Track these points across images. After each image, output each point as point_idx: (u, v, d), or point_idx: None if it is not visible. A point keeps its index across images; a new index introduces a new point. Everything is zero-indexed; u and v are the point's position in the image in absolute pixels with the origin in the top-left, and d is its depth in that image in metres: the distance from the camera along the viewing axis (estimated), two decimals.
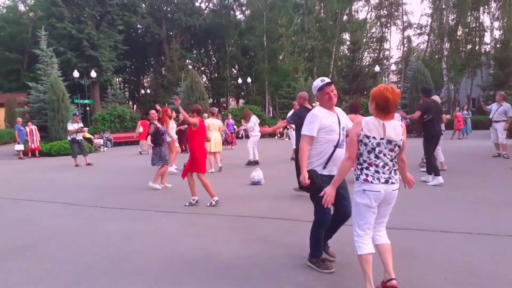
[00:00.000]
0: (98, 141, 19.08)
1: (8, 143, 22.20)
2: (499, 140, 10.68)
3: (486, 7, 35.00)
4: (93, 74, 27.76)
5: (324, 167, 3.47)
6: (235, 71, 50.58)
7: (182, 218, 5.74)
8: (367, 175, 2.90)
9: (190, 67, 45.16)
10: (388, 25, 42.16)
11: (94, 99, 34.10)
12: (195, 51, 52.28)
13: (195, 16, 44.84)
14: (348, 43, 38.50)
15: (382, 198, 2.91)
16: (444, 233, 4.53)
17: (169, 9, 45.65)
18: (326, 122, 3.45)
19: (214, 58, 53.84)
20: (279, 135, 24.84)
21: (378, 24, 42.81)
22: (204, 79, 54.11)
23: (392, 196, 2.97)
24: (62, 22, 32.17)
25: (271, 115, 38.95)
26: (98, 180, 9.58)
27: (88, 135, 18.24)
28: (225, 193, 7.15)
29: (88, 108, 28.15)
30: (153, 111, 8.57)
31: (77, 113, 13.40)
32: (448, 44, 36.58)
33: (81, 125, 12.95)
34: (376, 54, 43.38)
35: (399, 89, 35.80)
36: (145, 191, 7.95)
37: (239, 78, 37.48)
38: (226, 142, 17.55)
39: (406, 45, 41.03)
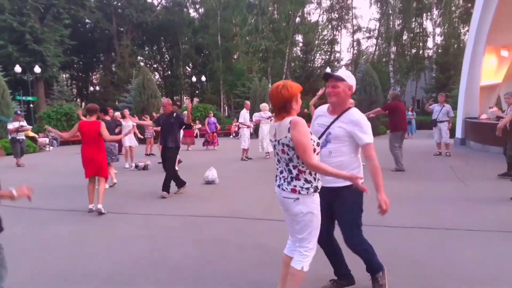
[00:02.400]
0: (43, 140, 18.14)
1: None
2: (443, 140, 11.34)
3: (428, 13, 37.14)
4: (37, 69, 26.29)
5: None
6: (189, 69, 49.91)
7: (134, 220, 5.63)
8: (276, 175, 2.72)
9: (142, 64, 44.05)
10: (339, 28, 43.59)
11: (39, 96, 32.27)
12: (147, 48, 50.96)
13: (147, 12, 43.69)
14: (300, 44, 39.31)
15: (281, 202, 2.63)
16: (387, 227, 4.76)
17: (119, 4, 44.17)
18: None
19: (167, 56, 52.75)
20: (234, 134, 24.90)
21: (330, 26, 44.12)
22: (157, 76, 52.94)
23: (284, 203, 2.59)
24: (3, 14, 30.14)
25: (226, 114, 38.89)
26: (43, 180, 9.12)
27: (31, 134, 17.27)
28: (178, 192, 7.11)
29: (32, 105, 26.67)
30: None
31: (19, 112, 12.67)
32: (395, 48, 38.45)
33: (22, 123, 12.25)
34: (327, 56, 44.63)
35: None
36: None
37: (193, 77, 37.04)
38: (207, 142, 16.74)
39: (355, 48, 42.60)
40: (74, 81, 51.45)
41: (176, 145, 7.08)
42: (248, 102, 13.05)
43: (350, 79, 2.93)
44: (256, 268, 3.69)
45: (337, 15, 43.41)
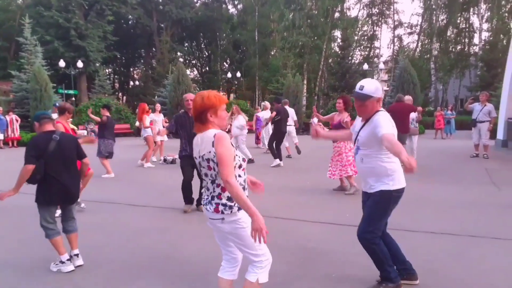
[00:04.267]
0: (81, 132, 18.87)
1: None
2: (482, 141, 10.71)
3: (475, 8, 35.29)
4: (80, 64, 27.40)
5: None
6: (227, 65, 50.33)
7: (152, 212, 5.71)
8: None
9: (181, 60, 44.84)
10: (379, 23, 42.30)
11: (81, 90, 33.68)
12: (186, 44, 51.84)
13: (186, 8, 44.38)
14: (339, 40, 38.54)
15: (210, 223, 2.46)
16: (408, 232, 4.55)
17: (160, 0, 45.16)
18: None
19: (205, 52, 53.48)
20: None
21: (370, 22, 42.92)
22: (195, 72, 53.79)
23: (212, 224, 2.43)
24: (50, 10, 31.66)
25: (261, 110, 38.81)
26: None
27: (72, 126, 18.00)
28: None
29: (73, 99, 27.82)
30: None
31: (57, 104, 13.20)
32: (438, 44, 36.85)
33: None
34: (366, 52, 43.50)
35: (388, 88, 36.24)
36: (120, 183, 7.91)
37: (229, 73, 37.29)
38: (257, 139, 15.24)
39: (396, 44, 41.24)
40: (116, 76, 53.24)
41: None
42: (287, 100, 12.49)
43: (377, 91, 2.98)
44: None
45: (377, 10, 42.14)
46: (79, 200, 5.97)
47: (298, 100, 23.98)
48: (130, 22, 48.05)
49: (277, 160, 10.01)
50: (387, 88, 42.68)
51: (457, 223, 4.87)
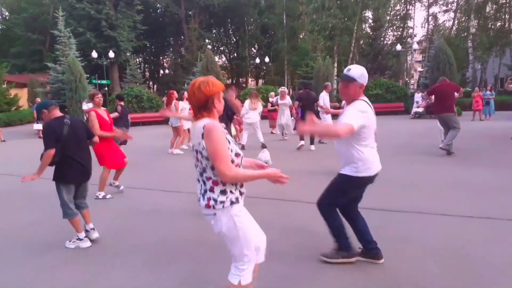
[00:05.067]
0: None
1: (31, 123, 22.77)
2: None
3: None
4: (111, 54, 28.05)
5: None
6: (255, 51, 50.14)
7: (184, 197, 5.85)
8: None
9: (209, 47, 44.99)
10: (413, 1, 40.74)
11: (113, 80, 34.54)
12: (214, 31, 51.93)
13: None
14: (370, 21, 37.52)
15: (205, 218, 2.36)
16: (443, 216, 4.47)
17: None
18: None
19: (233, 38, 53.43)
20: (294, 117, 24.67)
21: (402, 1, 41.42)
22: (224, 59, 53.92)
23: (207, 220, 2.32)
24: (81, 2, 32.45)
25: (290, 95, 38.58)
26: None
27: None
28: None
29: (106, 89, 28.55)
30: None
31: None
32: (476, 22, 35.15)
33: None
34: (399, 32, 42.14)
35: (422, 69, 34.99)
36: (151, 169, 8.13)
37: (257, 58, 37.12)
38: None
39: (431, 23, 39.68)
40: (146, 65, 54.18)
41: None
42: (329, 84, 12.24)
43: (362, 77, 3.11)
44: (295, 251, 3.68)
45: None
46: (117, 183, 6.24)
47: None
48: (158, 11, 48.53)
49: (302, 142, 10.36)
50: (422, 69, 41.30)
51: (495, 207, 4.72)
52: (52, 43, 27.75)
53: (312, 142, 10.36)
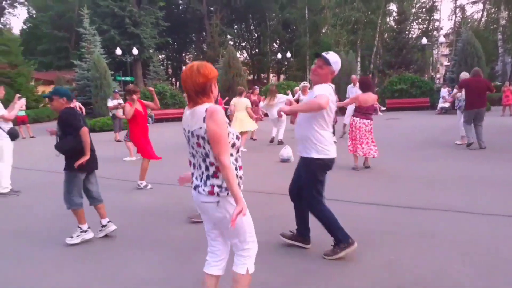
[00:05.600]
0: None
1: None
2: None
3: None
4: (135, 51, 28.50)
5: None
6: (276, 46, 49.97)
7: None
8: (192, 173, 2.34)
9: (231, 42, 45.10)
10: None
11: (136, 76, 35.08)
12: (236, 27, 52.01)
13: None
14: (394, 14, 36.77)
15: (200, 207, 2.27)
16: (472, 214, 4.37)
17: None
18: None
19: (254, 33, 53.40)
20: None
21: None
22: (245, 54, 53.95)
23: (203, 208, 2.24)
24: (105, 0, 33.05)
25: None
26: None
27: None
28: (253, 169, 7.25)
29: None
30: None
31: (116, 90, 13.91)
32: (506, 13, 33.95)
33: (120, 101, 13.43)
34: (425, 25, 41.15)
35: (449, 63, 34.11)
36: (174, 165, 8.23)
37: (278, 53, 36.99)
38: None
39: (458, 15, 38.58)
40: (169, 62, 54.79)
41: None
42: (355, 76, 12.23)
43: (336, 65, 3.30)
44: (314, 247, 3.68)
45: None
46: (145, 182, 6.38)
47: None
48: (180, 7, 48.99)
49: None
50: (448, 63, 40.26)
51: None
52: (78, 41, 28.43)
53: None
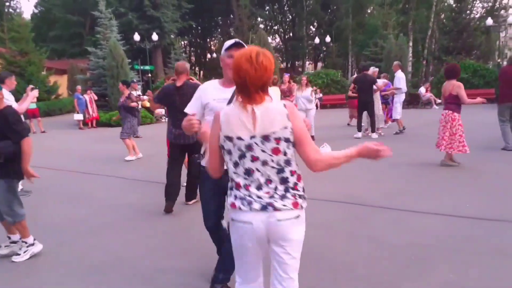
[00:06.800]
0: (159, 111, 19.96)
1: (71, 112, 24.19)
2: None
3: None
4: (155, 36, 28.95)
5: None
6: (313, 29, 49.51)
7: None
8: (235, 197, 2.09)
9: (261, 26, 45.06)
10: None
11: (156, 65, 35.61)
12: (267, 8, 51.87)
13: None
14: None
15: (260, 234, 2.05)
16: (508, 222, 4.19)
17: None
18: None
19: (289, 15, 53.10)
20: None
21: None
22: (277, 39, 53.82)
23: (276, 232, 2.03)
24: None
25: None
26: (156, 152, 10.14)
27: (148, 104, 19.22)
28: None
29: (150, 75, 29.42)
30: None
31: (134, 80, 14.16)
32: None
33: (138, 93, 13.67)
34: (490, 4, 39.70)
35: None
36: None
37: (316, 37, 36.64)
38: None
39: None
40: (192, 48, 55.34)
41: None
42: (398, 63, 12.32)
43: None
44: (364, 262, 3.61)
45: None
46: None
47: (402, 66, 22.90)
48: None
49: (359, 133, 11.10)
50: None
51: None
52: (93, 26, 29.15)
53: (373, 130, 10.97)
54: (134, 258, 3.93)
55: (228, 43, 2.77)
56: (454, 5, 33.05)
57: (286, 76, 12.91)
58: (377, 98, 11.30)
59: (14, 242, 4.11)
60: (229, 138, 2.01)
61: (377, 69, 12.17)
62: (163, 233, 4.62)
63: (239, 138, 1.99)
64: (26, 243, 4.00)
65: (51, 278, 3.62)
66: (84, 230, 4.77)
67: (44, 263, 3.94)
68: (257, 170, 2.02)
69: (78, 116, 17.30)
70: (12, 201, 3.87)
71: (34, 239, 4.05)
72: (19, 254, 3.97)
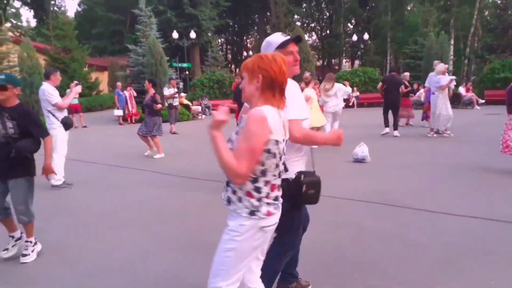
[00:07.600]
0: (196, 108, 20.34)
1: (111, 108, 24.94)
2: None
3: None
4: (193, 34, 29.38)
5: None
6: (351, 27, 48.92)
7: None
8: (268, 204, 2.05)
9: (298, 23, 44.88)
10: None
11: (194, 63, 36.15)
12: (304, 5, 51.61)
13: None
14: None
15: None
16: None
17: None
18: None
19: (326, 12, 52.65)
20: None
21: None
22: (314, 37, 53.45)
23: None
24: None
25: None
26: (193, 148, 10.36)
27: (186, 101, 19.62)
28: (321, 169, 7.21)
29: (187, 73, 29.91)
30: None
31: (173, 77, 14.48)
32: None
33: (175, 90, 13.96)
34: None
35: None
36: None
37: (354, 35, 36.20)
38: (425, 115, 13.10)
39: None
40: (228, 46, 55.78)
41: None
42: (437, 62, 12.09)
43: (264, 47, 2.77)
44: (391, 261, 3.61)
45: None
46: None
47: None
48: None
49: (386, 129, 11.26)
50: None
51: None
52: (133, 23, 29.87)
53: (396, 128, 11.17)
54: (162, 251, 4.10)
55: (282, 37, 2.61)
56: (499, 2, 31.97)
57: (307, 74, 11.78)
58: (445, 98, 10.58)
59: (19, 239, 4.05)
60: (277, 142, 1.98)
61: (407, 74, 13.08)
62: (193, 227, 4.77)
63: (282, 141, 2.04)
64: (31, 242, 3.95)
65: (79, 271, 3.82)
66: (115, 222, 4.98)
67: (73, 255, 4.17)
68: (279, 175, 2.12)
69: (118, 112, 17.83)
70: (29, 200, 3.86)
71: (35, 238, 4.02)
72: (26, 255, 3.90)
